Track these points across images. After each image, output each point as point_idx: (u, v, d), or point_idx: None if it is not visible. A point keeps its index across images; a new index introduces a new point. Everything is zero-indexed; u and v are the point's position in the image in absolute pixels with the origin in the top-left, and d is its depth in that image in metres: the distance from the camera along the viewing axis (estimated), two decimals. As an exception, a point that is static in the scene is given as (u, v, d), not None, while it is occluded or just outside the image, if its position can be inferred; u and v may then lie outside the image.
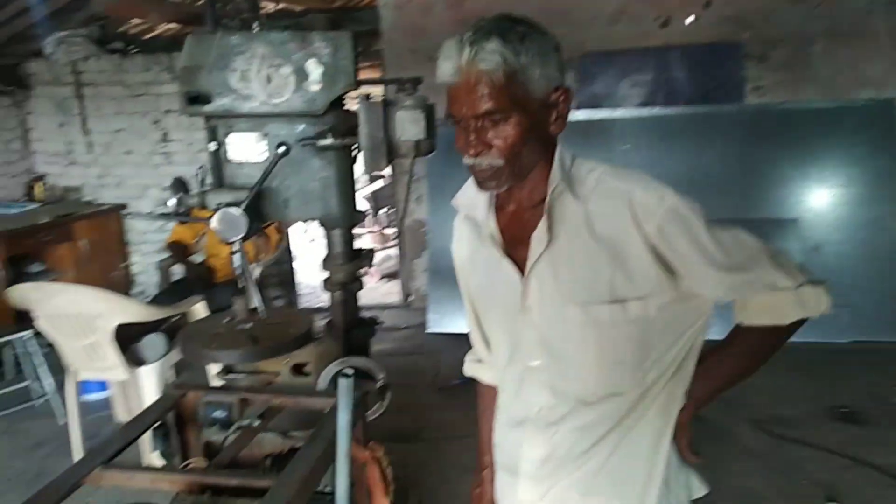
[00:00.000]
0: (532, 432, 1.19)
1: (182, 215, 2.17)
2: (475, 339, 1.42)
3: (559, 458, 1.17)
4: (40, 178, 5.57)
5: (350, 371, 1.09)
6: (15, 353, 4.07)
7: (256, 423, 1.48)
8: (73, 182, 5.62)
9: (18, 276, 4.45)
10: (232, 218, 2.01)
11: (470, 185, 1.20)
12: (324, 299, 4.62)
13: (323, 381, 2.14)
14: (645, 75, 4.69)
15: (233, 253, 2.17)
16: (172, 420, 1.57)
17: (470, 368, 1.50)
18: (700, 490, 1.28)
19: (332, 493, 1.47)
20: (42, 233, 4.79)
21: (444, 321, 4.76)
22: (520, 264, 1.14)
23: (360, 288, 2.45)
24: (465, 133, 1.08)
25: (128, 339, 3.25)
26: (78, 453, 3.09)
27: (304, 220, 2.28)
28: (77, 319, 2.95)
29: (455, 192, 1.28)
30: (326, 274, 2.35)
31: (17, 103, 5.46)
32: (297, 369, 2.46)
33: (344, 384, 1.09)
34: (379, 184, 8.88)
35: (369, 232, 8.47)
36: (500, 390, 1.31)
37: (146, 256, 5.61)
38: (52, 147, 5.59)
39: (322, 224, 2.28)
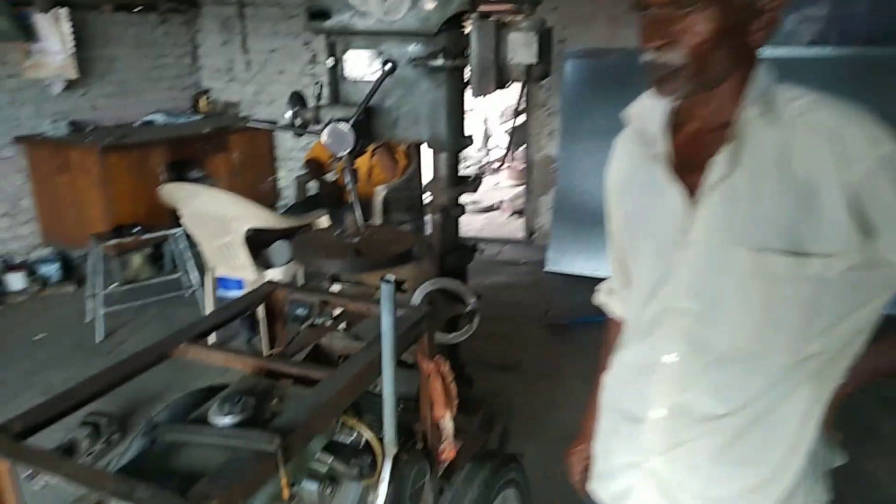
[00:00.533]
0: (661, 383, 1.08)
1: (299, 128, 2.28)
2: (614, 269, 1.30)
3: (690, 417, 1.06)
4: (205, 92, 6.06)
5: (391, 277, 1.12)
6: (172, 249, 4.59)
7: (329, 322, 1.57)
8: (232, 97, 6.07)
9: (180, 180, 4.93)
10: (340, 133, 2.07)
11: (647, 96, 1.09)
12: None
13: (416, 299, 2.21)
14: (818, 10, 4.17)
15: (343, 169, 2.26)
16: (263, 312, 1.70)
17: (601, 297, 1.38)
18: (839, 459, 1.14)
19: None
20: (202, 142, 5.25)
21: (564, 261, 4.69)
22: (689, 192, 1.01)
23: (462, 213, 2.47)
24: (651, 23, 0.96)
25: (261, 244, 3.54)
26: (210, 340, 3.44)
27: (412, 141, 2.32)
28: (214, 220, 3.25)
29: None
30: (429, 196, 2.40)
31: (188, 21, 5.92)
32: (396, 286, 2.56)
33: (385, 289, 1.12)
34: (521, 119, 8.74)
35: (507, 167, 8.44)
36: (630, 329, 1.20)
37: (291, 172, 5.98)
38: (216, 63, 6.04)
39: (429, 146, 2.31)
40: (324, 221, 3.54)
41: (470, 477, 1.47)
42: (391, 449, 1.40)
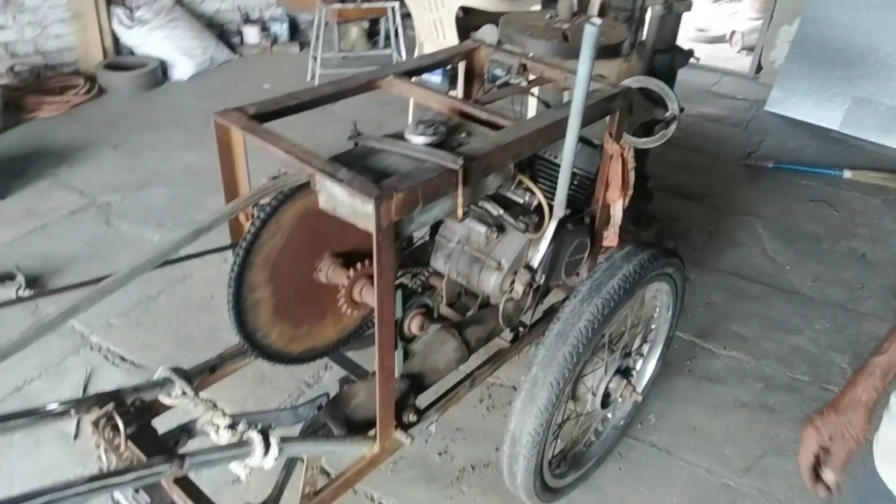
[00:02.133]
0: None
1: None
2: None
3: None
4: None
5: (597, 20, 1.09)
6: (386, 27, 4.75)
7: (523, 84, 1.59)
8: None
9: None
10: None
11: None
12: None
13: (614, 95, 2.14)
14: None
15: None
16: (462, 67, 1.76)
17: None
18: None
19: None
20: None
21: (789, 102, 4.21)
22: None
23: (688, 9, 2.27)
24: None
25: (470, 28, 3.54)
26: (411, 114, 3.63)
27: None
28: (429, -8, 3.28)
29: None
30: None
31: None
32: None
33: (589, 31, 1.10)
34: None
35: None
36: None
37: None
38: None
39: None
40: (536, 8, 3.43)
41: (629, 255, 1.50)
42: (559, 211, 1.46)
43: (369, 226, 1.09)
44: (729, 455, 1.96)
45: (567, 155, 1.32)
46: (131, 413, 1.22)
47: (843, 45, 3.99)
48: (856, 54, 3.97)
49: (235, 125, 1.26)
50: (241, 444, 1.17)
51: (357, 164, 1.21)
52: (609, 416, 1.91)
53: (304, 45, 5.07)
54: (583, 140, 1.66)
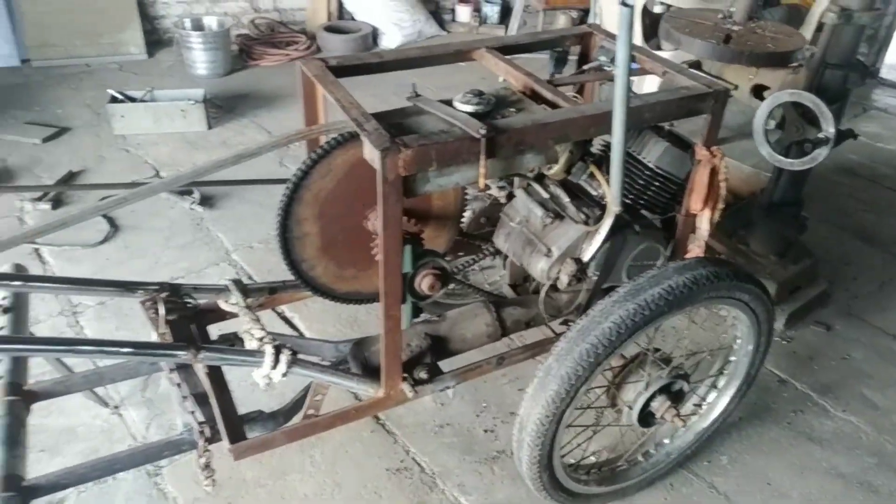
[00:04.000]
0: None
1: None
2: None
3: None
4: None
5: (631, 2, 1.02)
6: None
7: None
8: None
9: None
10: None
11: None
12: None
13: (764, 107, 1.94)
14: None
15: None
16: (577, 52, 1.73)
17: None
18: None
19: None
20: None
21: None
22: None
23: (872, 21, 1.97)
24: None
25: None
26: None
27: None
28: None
29: None
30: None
31: None
32: (758, 92, 2.26)
33: (624, 14, 1.04)
34: None
35: None
36: None
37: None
38: None
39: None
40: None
41: (684, 268, 1.38)
42: (613, 207, 1.39)
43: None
44: (798, 523, 1.73)
45: (616, 146, 1.25)
46: (178, 304, 1.41)
47: None
48: None
49: (309, 71, 1.39)
50: (256, 354, 1.31)
51: (396, 120, 1.27)
52: (666, 441, 1.78)
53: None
54: (677, 140, 1.55)
